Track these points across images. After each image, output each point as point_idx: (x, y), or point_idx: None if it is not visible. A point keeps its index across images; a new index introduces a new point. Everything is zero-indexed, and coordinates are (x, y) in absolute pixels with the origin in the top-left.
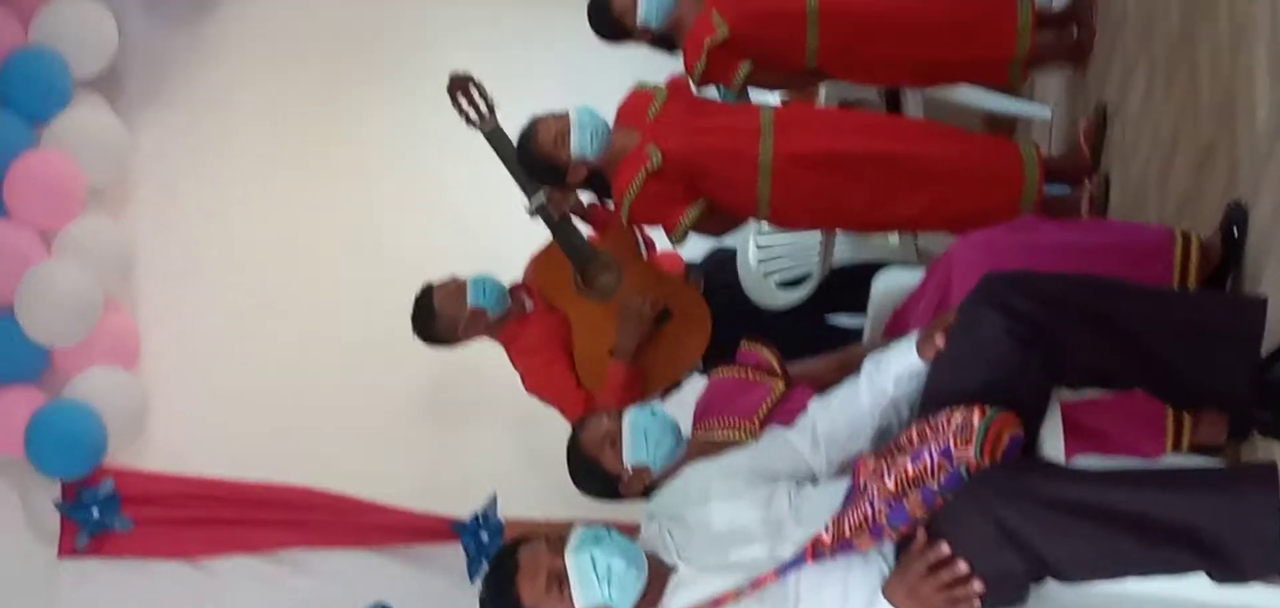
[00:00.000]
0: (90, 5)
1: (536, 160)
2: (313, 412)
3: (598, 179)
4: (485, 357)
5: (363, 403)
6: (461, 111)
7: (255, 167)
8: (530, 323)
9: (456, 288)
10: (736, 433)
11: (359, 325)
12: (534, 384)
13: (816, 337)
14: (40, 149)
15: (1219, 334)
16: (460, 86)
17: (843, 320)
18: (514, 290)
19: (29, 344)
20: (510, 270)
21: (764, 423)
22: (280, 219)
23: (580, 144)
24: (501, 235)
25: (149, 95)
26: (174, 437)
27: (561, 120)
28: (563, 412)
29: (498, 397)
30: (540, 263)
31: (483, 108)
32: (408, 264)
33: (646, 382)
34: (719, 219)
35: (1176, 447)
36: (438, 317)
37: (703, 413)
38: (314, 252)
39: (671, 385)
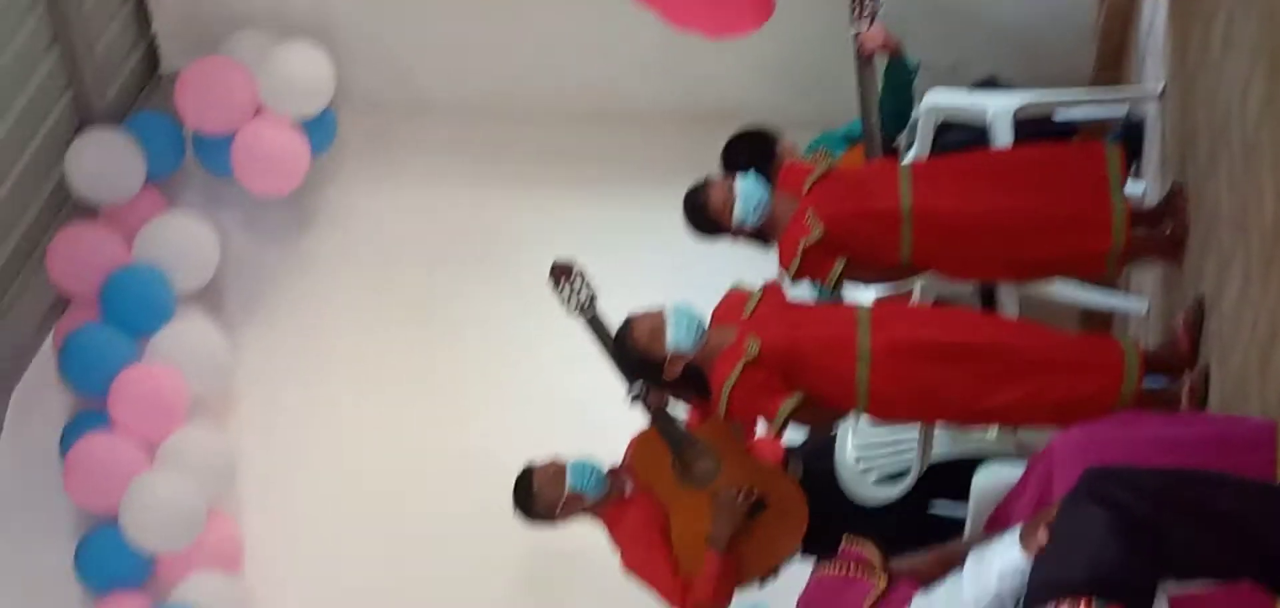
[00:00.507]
0: (192, 222)
1: (633, 355)
2: None
3: (694, 376)
4: (586, 550)
5: (463, 602)
6: (563, 299)
7: (355, 373)
8: (630, 506)
9: (556, 472)
10: None
11: (459, 523)
12: (632, 565)
13: (918, 526)
14: (144, 362)
15: None
16: (563, 273)
17: (944, 509)
18: (613, 473)
19: (134, 552)
20: (611, 452)
21: None
22: (380, 424)
23: (676, 339)
24: (602, 421)
25: (249, 307)
26: None
27: (656, 316)
28: (660, 596)
29: (599, 591)
30: (639, 448)
31: (584, 296)
32: (508, 463)
33: (744, 571)
34: (817, 414)
35: None
36: (537, 498)
37: None
38: (412, 451)
39: (769, 573)
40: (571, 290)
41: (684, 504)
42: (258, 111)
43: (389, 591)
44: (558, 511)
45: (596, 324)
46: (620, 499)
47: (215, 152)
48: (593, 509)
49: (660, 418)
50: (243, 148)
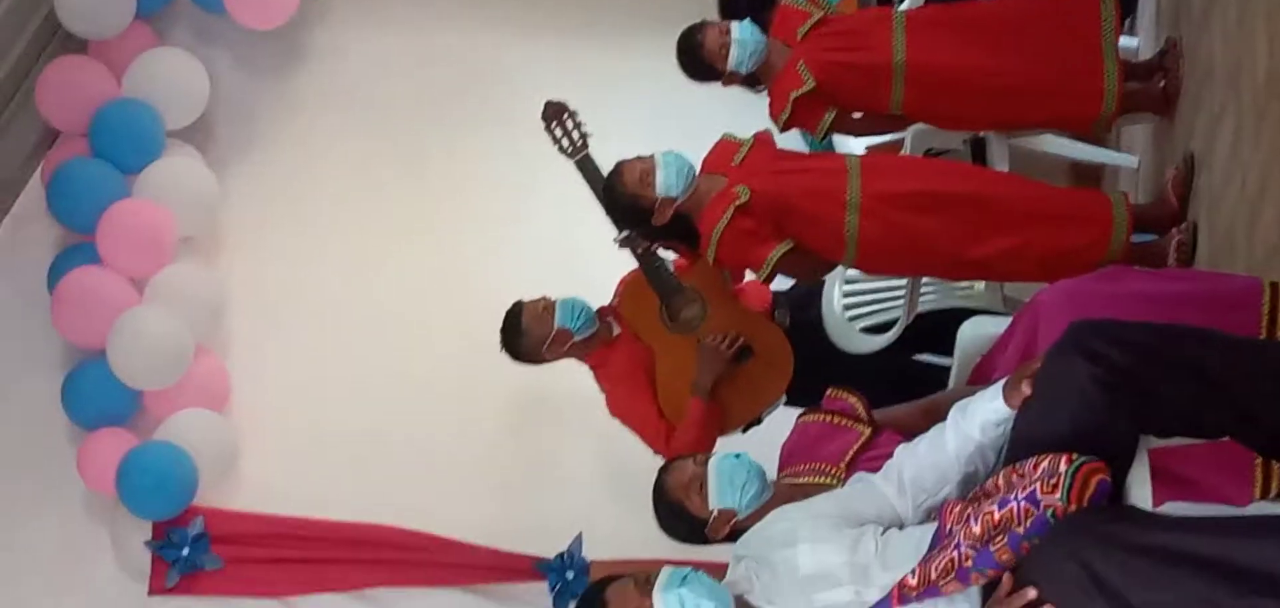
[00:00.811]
0: (182, 58)
1: (622, 201)
2: (399, 452)
3: (683, 224)
4: (572, 395)
5: (449, 443)
6: (555, 140)
7: (343, 213)
8: (617, 349)
9: (545, 308)
10: (823, 478)
11: (446, 365)
12: (617, 409)
13: (902, 376)
14: (132, 198)
15: None
16: (555, 114)
17: (929, 359)
18: (601, 313)
19: (121, 388)
20: (600, 295)
21: (850, 468)
22: (368, 263)
23: (665, 184)
24: (591, 261)
25: (239, 146)
26: (263, 478)
27: (646, 162)
28: (644, 440)
29: (584, 436)
30: (627, 292)
31: (576, 137)
32: (494, 303)
33: (728, 418)
34: (806, 264)
35: (1265, 494)
36: (525, 334)
37: (789, 458)
38: (400, 293)
39: (753, 421)
40: (564, 131)
41: (670, 349)
42: None
43: (376, 430)
44: (545, 348)
45: (588, 166)
46: (607, 341)
47: None
48: (579, 350)
49: (648, 262)
50: None
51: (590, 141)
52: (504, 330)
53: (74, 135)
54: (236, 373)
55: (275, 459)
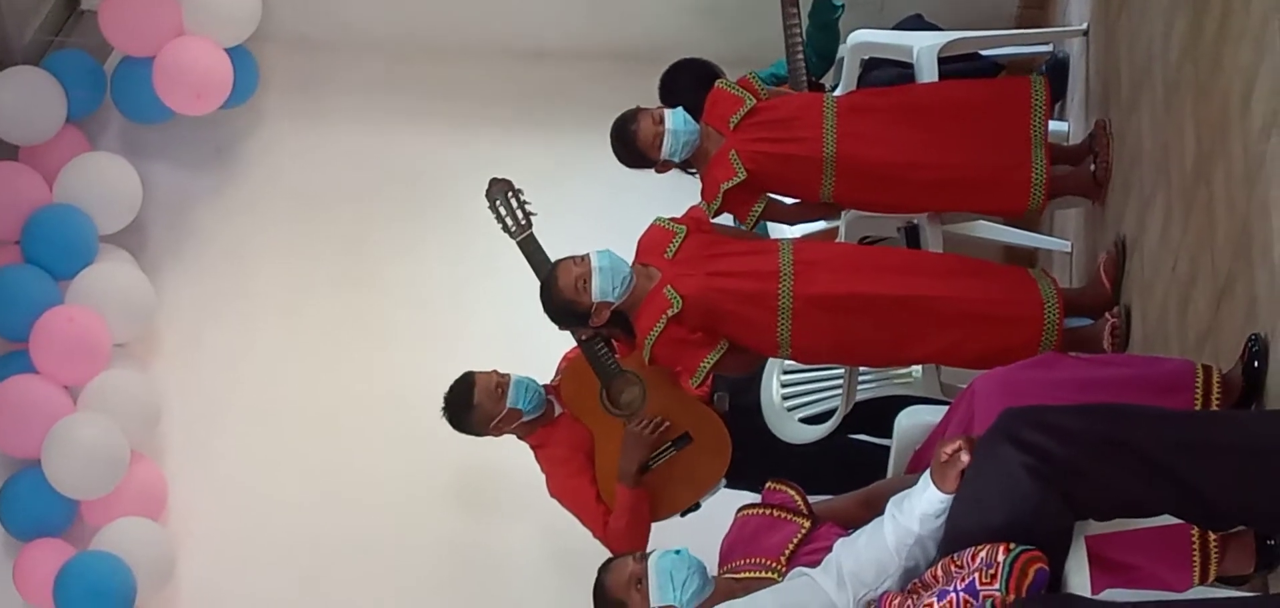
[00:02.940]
0: (113, 162)
1: (559, 305)
2: (341, 553)
3: (620, 319)
4: (515, 478)
5: (392, 540)
6: (499, 218)
7: (280, 313)
8: (557, 429)
9: (498, 385)
10: (763, 572)
11: (387, 462)
12: (557, 491)
13: (841, 456)
14: (65, 305)
15: (1242, 449)
16: (500, 192)
17: (866, 438)
18: (546, 389)
19: (57, 497)
20: (543, 372)
21: (791, 562)
22: (305, 363)
23: (602, 289)
24: (534, 342)
25: (172, 248)
26: (202, 585)
27: (582, 265)
28: (583, 523)
29: (529, 523)
30: (568, 373)
31: (520, 216)
32: (434, 395)
33: (665, 503)
34: (741, 360)
35: (1203, 579)
36: (475, 409)
37: (729, 553)
38: (338, 392)
39: (689, 507)
40: (508, 209)
41: (610, 432)
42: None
43: (316, 534)
44: (491, 425)
45: (531, 245)
46: (549, 421)
47: (136, 80)
48: (523, 429)
49: (589, 347)
50: (164, 64)
51: (535, 220)
52: (452, 402)
53: (6, 242)
54: (173, 479)
55: (214, 566)
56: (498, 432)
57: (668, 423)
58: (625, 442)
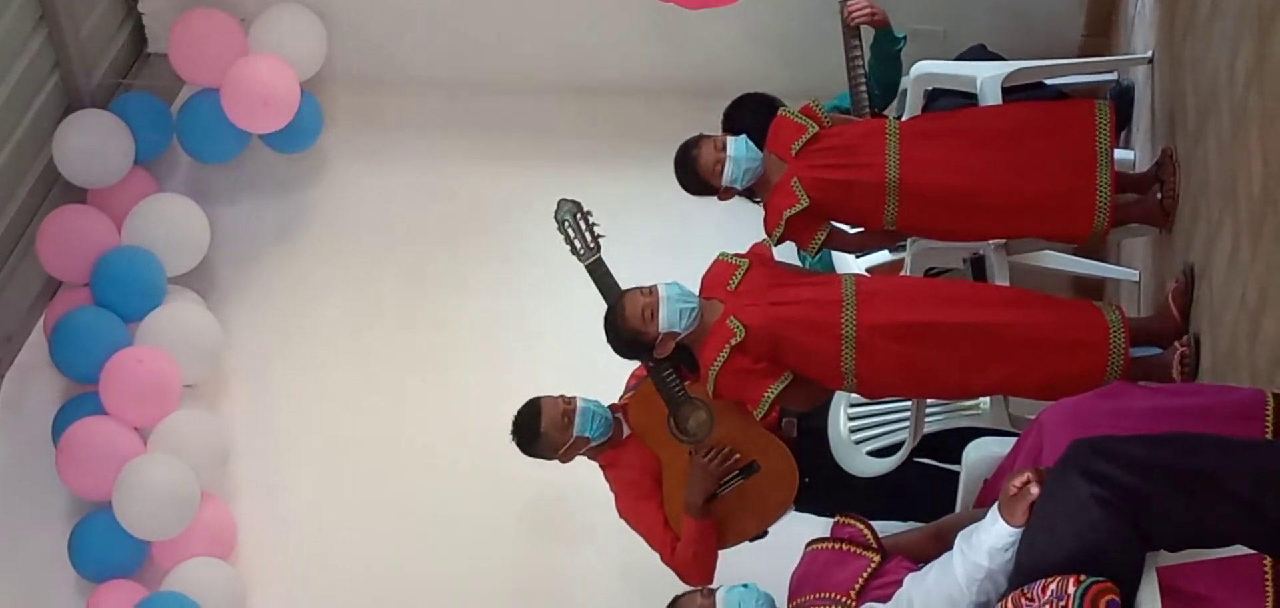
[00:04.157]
0: (181, 203)
1: (624, 334)
2: (412, 589)
3: (685, 352)
4: (585, 502)
5: (463, 574)
6: (567, 240)
7: (347, 350)
8: (626, 451)
9: (565, 414)
10: (833, 607)
11: (456, 496)
12: (625, 512)
13: (906, 481)
14: (134, 346)
15: None
16: (569, 213)
17: (933, 462)
18: (613, 409)
19: (128, 538)
20: (609, 395)
21: (861, 596)
22: (372, 399)
23: (668, 320)
24: (599, 371)
25: (240, 288)
26: None
27: (649, 297)
28: (651, 546)
29: (601, 547)
30: (636, 400)
31: (589, 239)
32: (501, 428)
33: (732, 532)
34: (805, 393)
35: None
36: (542, 438)
37: (798, 587)
38: (406, 427)
39: (757, 534)
40: (577, 231)
41: (676, 458)
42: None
43: (387, 568)
44: (561, 454)
45: (599, 270)
46: (618, 442)
47: (201, 115)
48: (592, 451)
49: (656, 374)
50: (231, 84)
51: (603, 243)
52: (520, 429)
53: (75, 285)
54: (243, 519)
55: (284, 605)
56: (566, 458)
57: (737, 455)
58: (692, 473)
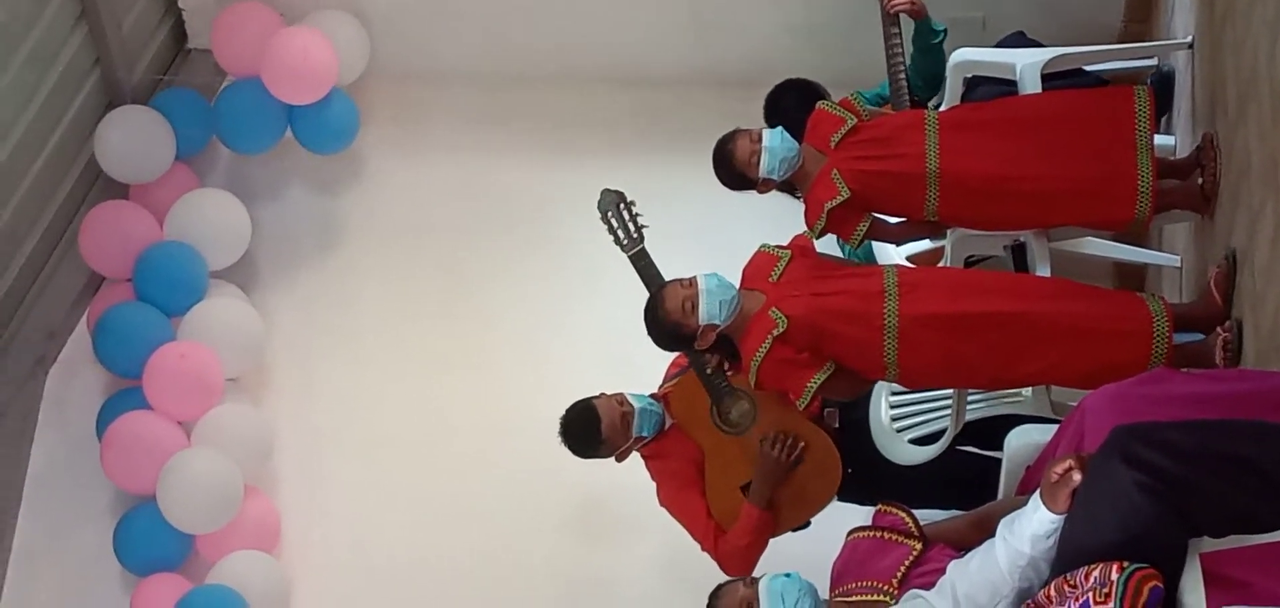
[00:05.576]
0: (222, 198)
1: (665, 327)
2: (456, 582)
3: (726, 343)
4: (627, 496)
5: (506, 568)
6: (611, 230)
7: (389, 344)
8: (669, 441)
9: (623, 420)
10: (876, 595)
11: (499, 489)
12: (667, 502)
13: (948, 468)
14: (177, 341)
15: None
16: (613, 203)
17: (974, 450)
18: (654, 398)
19: (173, 532)
20: (646, 387)
21: (903, 585)
22: (415, 393)
23: (709, 312)
24: (640, 363)
25: (282, 283)
26: None
27: (689, 288)
28: (692, 536)
29: (644, 539)
30: (678, 391)
31: (632, 229)
32: (543, 422)
33: (777, 522)
34: (847, 383)
35: None
36: (604, 443)
37: (840, 576)
38: (449, 421)
39: (800, 525)
40: (620, 222)
41: (719, 449)
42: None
43: (430, 561)
44: (619, 455)
45: (643, 261)
46: (660, 434)
47: (240, 104)
48: (638, 443)
49: (698, 362)
50: (271, 60)
51: (647, 234)
52: (578, 434)
53: (118, 280)
54: (287, 512)
55: (328, 598)
56: (622, 458)
57: (803, 443)
58: (760, 464)
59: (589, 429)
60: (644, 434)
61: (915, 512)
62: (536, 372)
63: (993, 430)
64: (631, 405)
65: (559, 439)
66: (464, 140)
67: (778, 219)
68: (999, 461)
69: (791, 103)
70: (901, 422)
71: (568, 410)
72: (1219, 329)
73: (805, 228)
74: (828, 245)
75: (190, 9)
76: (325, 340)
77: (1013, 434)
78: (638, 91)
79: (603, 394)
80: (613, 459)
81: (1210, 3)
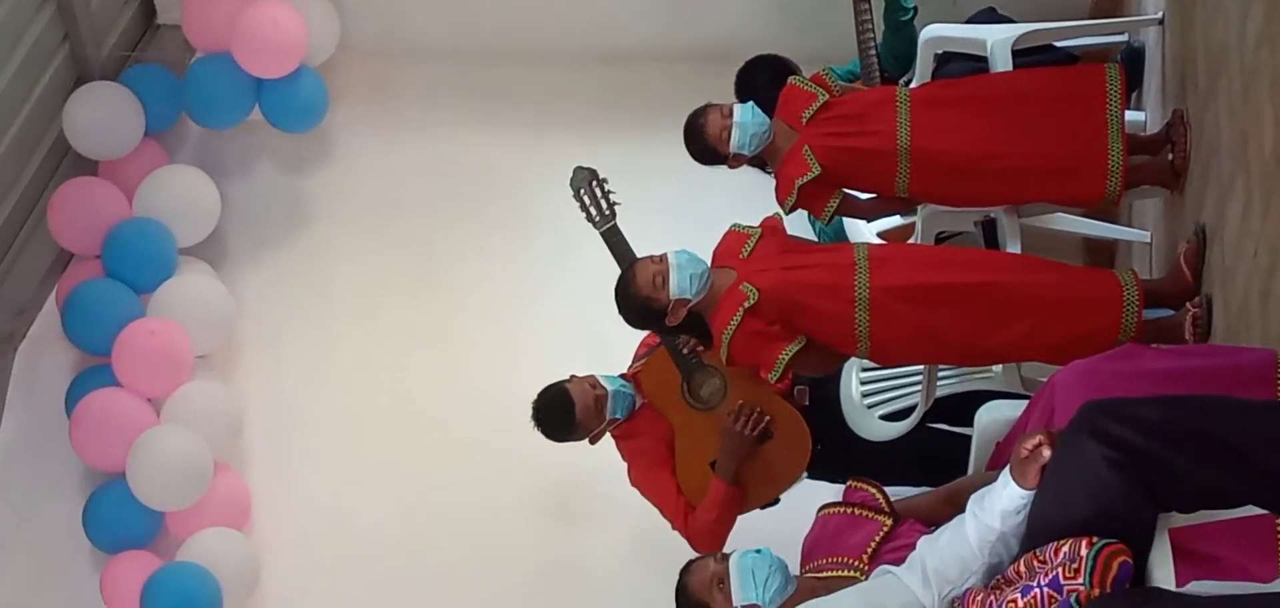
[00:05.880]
0: (192, 175)
1: (635, 302)
2: (426, 560)
3: (697, 320)
4: (598, 476)
5: (477, 546)
6: (583, 207)
7: (360, 321)
8: (639, 420)
9: (596, 403)
10: (846, 571)
11: (469, 467)
12: (637, 481)
13: (919, 446)
14: (146, 318)
15: None
16: (585, 180)
17: (945, 427)
18: (624, 378)
19: (142, 509)
20: (616, 366)
21: (873, 560)
22: (386, 370)
23: (679, 286)
24: (612, 340)
25: (252, 259)
26: (287, 595)
27: (659, 263)
28: (663, 515)
29: (615, 519)
30: (649, 367)
31: (604, 206)
32: (514, 400)
33: (745, 498)
34: (819, 358)
35: None
36: (577, 427)
37: (811, 551)
38: (419, 398)
39: (769, 501)
40: (592, 198)
41: (689, 425)
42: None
43: (400, 539)
44: (592, 438)
45: (615, 237)
46: (630, 414)
47: (207, 79)
48: (610, 425)
49: (670, 342)
50: (240, 35)
51: (619, 211)
52: (550, 418)
53: (87, 257)
54: (257, 489)
55: (299, 575)
56: (595, 441)
57: (768, 417)
58: (724, 439)
59: (563, 414)
60: (617, 416)
61: (886, 488)
62: (508, 349)
63: (963, 407)
64: (604, 388)
65: (532, 423)
66: (435, 118)
67: (749, 194)
68: (969, 437)
69: (763, 79)
70: (872, 398)
71: (541, 395)
72: (1189, 305)
73: (776, 204)
74: (799, 224)
75: None
76: (295, 318)
77: (983, 410)
78: (610, 68)
79: (574, 377)
80: (586, 442)
81: None
